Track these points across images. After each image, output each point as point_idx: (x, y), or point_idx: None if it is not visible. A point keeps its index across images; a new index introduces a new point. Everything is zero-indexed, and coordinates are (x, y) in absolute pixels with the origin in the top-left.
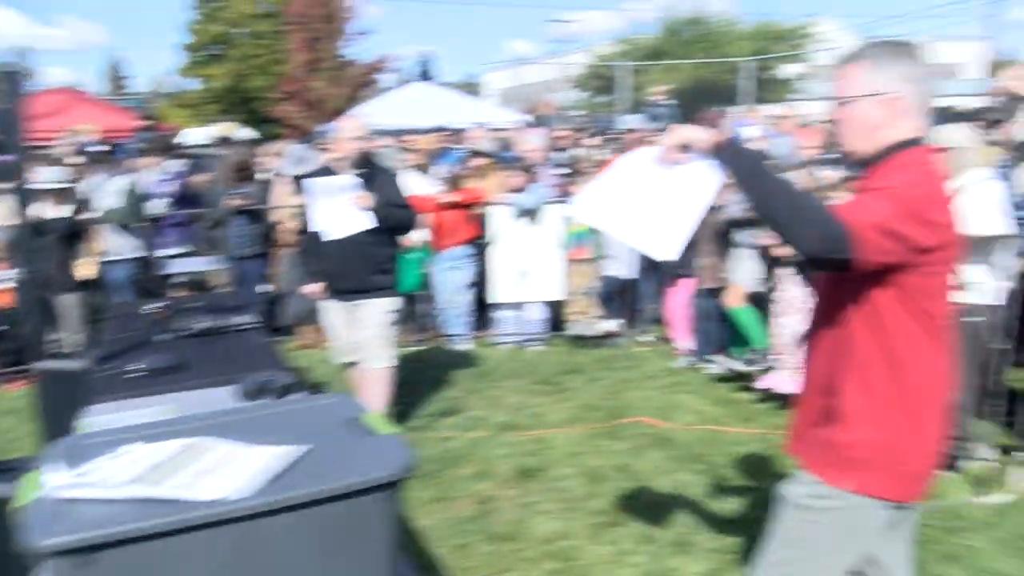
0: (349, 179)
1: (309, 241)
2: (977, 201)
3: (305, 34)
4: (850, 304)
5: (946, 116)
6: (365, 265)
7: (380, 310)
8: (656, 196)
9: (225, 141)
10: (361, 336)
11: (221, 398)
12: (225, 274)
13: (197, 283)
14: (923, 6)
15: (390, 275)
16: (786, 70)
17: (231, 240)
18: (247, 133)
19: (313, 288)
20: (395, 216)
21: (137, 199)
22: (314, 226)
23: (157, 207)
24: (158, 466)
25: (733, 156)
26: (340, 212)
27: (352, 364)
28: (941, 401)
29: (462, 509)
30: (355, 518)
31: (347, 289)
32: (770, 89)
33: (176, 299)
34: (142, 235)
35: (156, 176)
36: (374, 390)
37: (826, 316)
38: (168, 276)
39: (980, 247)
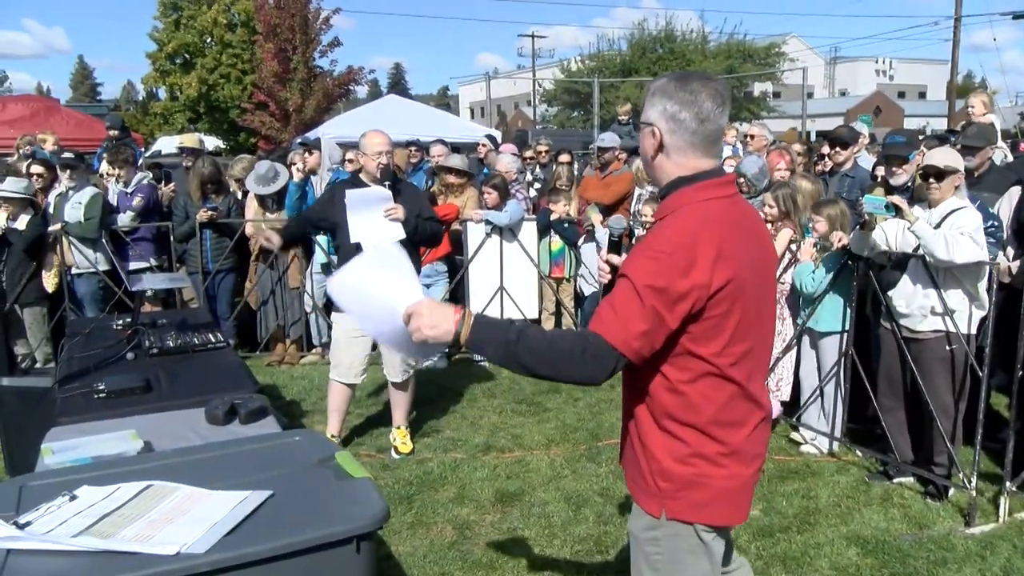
0: (383, 191)
1: (344, 251)
2: (956, 228)
3: (276, 44)
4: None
5: (934, 139)
6: None
7: None
8: (387, 310)
9: (195, 151)
10: (393, 353)
11: (188, 420)
12: (195, 289)
13: (165, 299)
14: (887, 28)
15: None
16: (756, 88)
17: (201, 254)
18: (216, 143)
19: (274, 236)
20: (425, 228)
21: (103, 210)
22: (352, 237)
23: (124, 219)
24: (112, 514)
25: (472, 345)
26: (375, 223)
27: (350, 384)
28: (740, 423)
29: (441, 535)
30: (324, 573)
31: None
32: (740, 107)
33: (144, 315)
34: (108, 248)
35: (123, 187)
36: (401, 402)
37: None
38: (135, 291)
39: (958, 274)
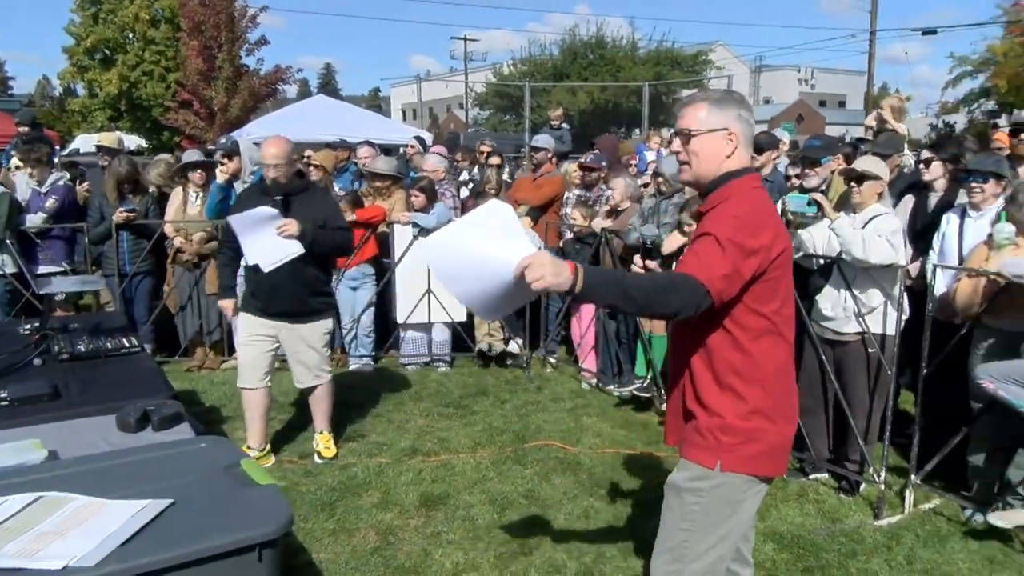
0: (267, 211)
1: (248, 269)
2: (876, 231)
3: (201, 42)
4: (686, 323)
5: (847, 146)
6: (308, 288)
7: (319, 332)
8: (490, 266)
9: (111, 151)
10: (303, 358)
11: (99, 428)
12: (111, 292)
13: (79, 302)
14: (809, 39)
15: (328, 296)
16: (683, 95)
17: (118, 256)
18: (138, 142)
19: (228, 306)
20: (326, 239)
21: (10, 211)
22: (248, 259)
23: (35, 220)
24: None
25: (587, 290)
26: (269, 242)
27: (254, 389)
28: (789, 385)
29: (364, 540)
30: None
31: (283, 312)
32: (669, 113)
33: (55, 319)
34: (15, 250)
35: (36, 186)
36: (323, 403)
37: (678, 333)
38: (47, 294)
39: (876, 276)
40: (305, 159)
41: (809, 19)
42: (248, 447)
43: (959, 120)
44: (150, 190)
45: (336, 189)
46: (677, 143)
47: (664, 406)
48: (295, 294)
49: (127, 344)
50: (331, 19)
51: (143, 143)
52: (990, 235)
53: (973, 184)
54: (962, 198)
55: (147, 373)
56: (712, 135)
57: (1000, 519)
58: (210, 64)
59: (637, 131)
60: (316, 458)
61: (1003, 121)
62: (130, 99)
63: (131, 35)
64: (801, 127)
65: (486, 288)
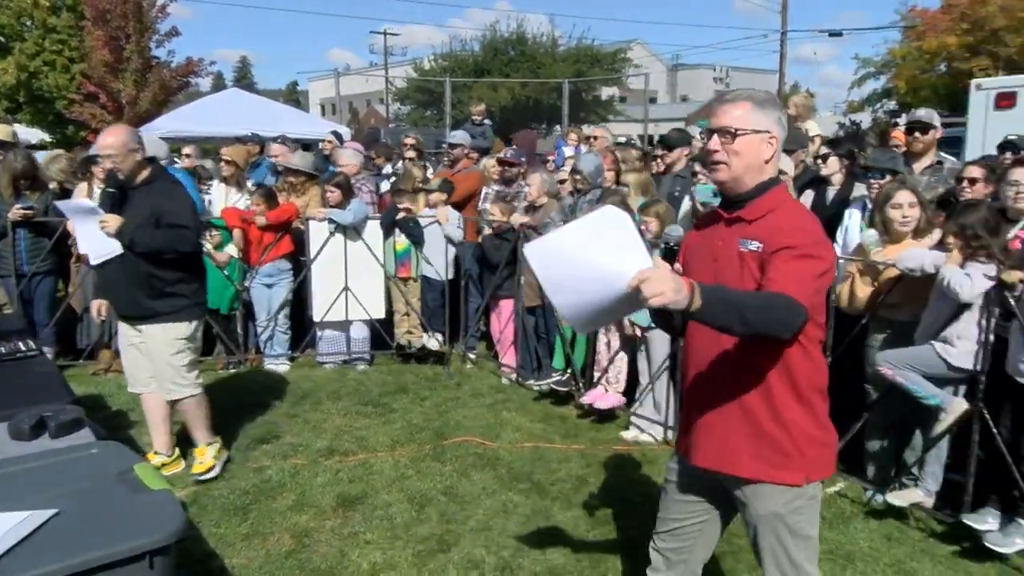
0: (85, 203)
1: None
2: None
3: (106, 31)
4: (760, 341)
5: None
6: (143, 288)
7: (168, 337)
8: (600, 276)
9: (5, 144)
10: (153, 365)
11: None
12: (7, 294)
13: None
14: (723, 39)
15: (176, 299)
16: (603, 92)
17: (15, 255)
18: (40, 135)
19: (98, 306)
20: (148, 239)
21: None
22: (80, 249)
23: None
24: None
25: (704, 308)
26: (95, 236)
27: (142, 393)
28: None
29: (278, 544)
30: None
31: (128, 314)
32: (588, 111)
33: None
34: None
35: None
36: (189, 419)
37: (730, 356)
38: None
39: None
40: (219, 155)
41: (724, 19)
42: (156, 452)
43: (864, 119)
44: (51, 186)
45: (249, 184)
46: (715, 141)
47: (583, 399)
48: (130, 294)
49: (23, 348)
50: (246, 11)
51: (46, 137)
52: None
53: (872, 180)
54: (858, 192)
55: (45, 378)
56: (756, 136)
57: (897, 498)
58: (117, 55)
59: (558, 127)
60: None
61: (903, 120)
62: (30, 90)
63: (29, 22)
64: None
65: (592, 299)
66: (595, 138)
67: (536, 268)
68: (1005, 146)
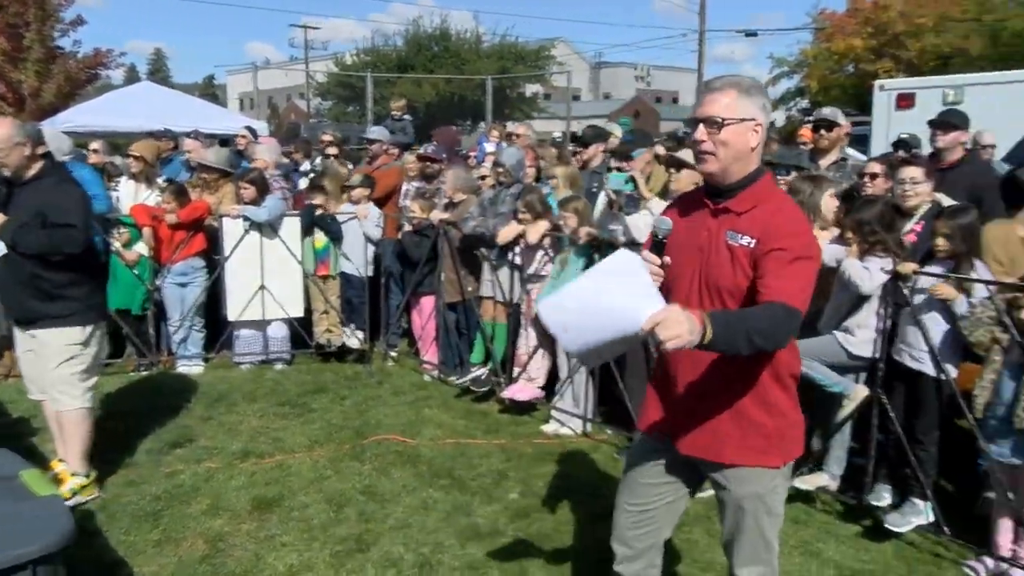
0: None
1: None
2: None
3: (4, 18)
4: None
5: (671, 140)
6: (30, 291)
7: (59, 342)
8: (614, 318)
9: None
10: (42, 372)
11: None
12: None
13: None
14: (645, 38)
15: (67, 302)
16: (527, 90)
17: None
18: None
19: None
20: (32, 239)
21: None
22: None
23: None
24: None
25: (716, 339)
26: None
27: (41, 400)
28: None
29: (191, 549)
30: None
31: (18, 317)
32: (513, 107)
33: None
34: None
35: None
36: (66, 434)
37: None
38: None
39: None
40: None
41: (644, 19)
42: (60, 460)
43: (779, 117)
44: None
45: (160, 180)
46: (701, 131)
47: (504, 393)
48: (18, 297)
49: None
50: (161, 1)
51: None
52: None
53: (778, 176)
54: None
55: None
56: (743, 125)
57: (804, 483)
58: (16, 44)
59: (483, 124)
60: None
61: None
62: None
63: None
64: (638, 122)
65: (603, 338)
66: (517, 135)
67: (548, 319)
68: (898, 144)
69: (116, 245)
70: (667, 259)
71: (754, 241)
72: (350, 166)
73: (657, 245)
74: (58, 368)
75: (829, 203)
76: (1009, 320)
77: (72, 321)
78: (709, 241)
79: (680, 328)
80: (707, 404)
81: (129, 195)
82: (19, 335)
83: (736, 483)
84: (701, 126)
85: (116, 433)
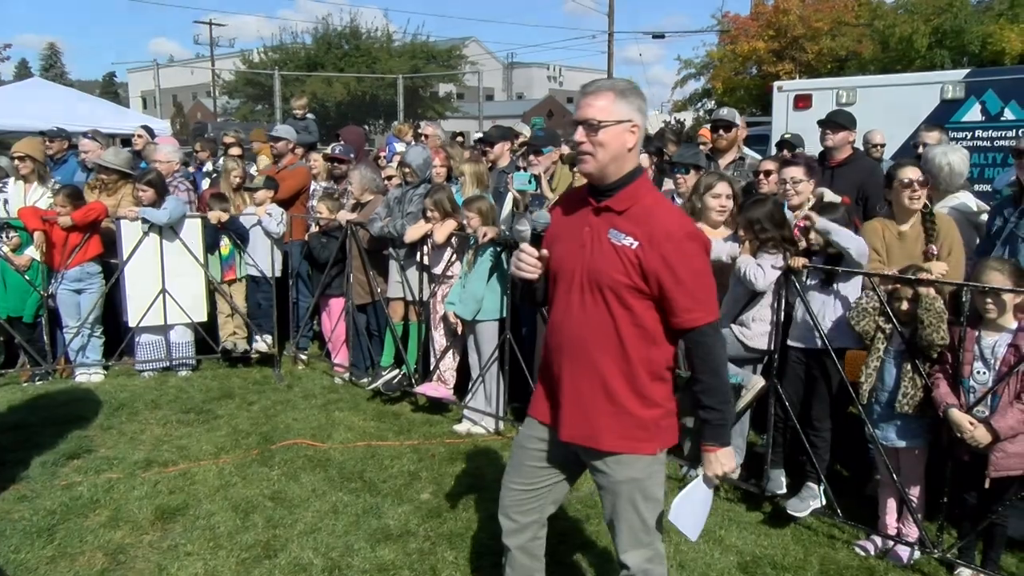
0: None
1: None
2: None
3: None
4: (630, 325)
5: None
6: None
7: None
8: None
9: None
10: None
11: None
12: None
13: None
14: (554, 39)
15: None
16: (440, 89)
17: None
18: None
19: None
20: None
21: None
22: None
23: None
24: None
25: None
26: None
27: None
28: None
29: (88, 564)
30: None
31: None
32: (426, 107)
33: None
34: None
35: None
36: None
37: (601, 335)
38: None
39: None
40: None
41: (556, 19)
42: None
43: (688, 117)
44: None
45: (53, 181)
46: (580, 133)
47: (417, 390)
48: None
49: None
50: None
51: None
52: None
53: (677, 175)
54: (667, 186)
55: None
56: (619, 127)
57: None
58: None
59: (395, 123)
60: None
61: None
62: None
63: None
64: (551, 122)
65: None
66: (426, 136)
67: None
68: (782, 144)
69: (5, 250)
70: (544, 252)
71: (637, 243)
72: (253, 166)
73: (535, 238)
74: None
75: (711, 202)
76: (890, 311)
77: None
78: (591, 238)
79: (729, 464)
80: (587, 395)
81: (18, 197)
82: None
83: (614, 469)
84: (580, 128)
85: (8, 447)
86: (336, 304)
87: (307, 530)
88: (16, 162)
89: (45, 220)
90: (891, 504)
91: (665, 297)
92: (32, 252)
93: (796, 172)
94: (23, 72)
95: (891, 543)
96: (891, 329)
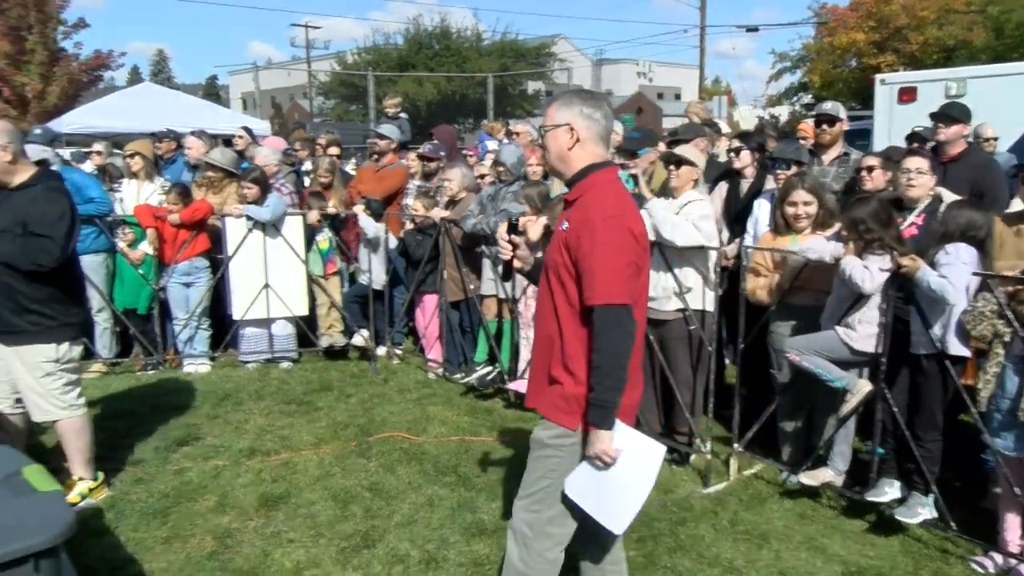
0: None
1: None
2: (686, 216)
3: (6, 20)
4: (564, 303)
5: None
6: (6, 303)
7: (29, 360)
8: (617, 477)
9: None
10: (20, 386)
11: None
12: None
13: None
14: (645, 34)
15: (41, 317)
16: (529, 87)
17: None
18: None
19: None
20: (11, 246)
21: None
22: None
23: None
24: None
25: (604, 406)
26: None
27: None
28: (634, 358)
29: (199, 546)
30: None
31: None
32: (515, 105)
33: None
34: None
35: None
36: (66, 444)
37: (548, 309)
38: None
39: (690, 256)
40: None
41: (645, 15)
42: (79, 479)
43: (783, 112)
44: None
45: (162, 180)
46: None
47: (509, 387)
48: None
49: None
50: (162, 2)
51: None
52: (775, 220)
53: (778, 171)
54: (770, 184)
55: None
56: (556, 130)
57: (809, 478)
58: (19, 47)
59: (484, 122)
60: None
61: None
62: None
63: None
64: (640, 119)
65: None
66: (517, 133)
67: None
68: (912, 138)
69: (121, 245)
70: (515, 238)
71: (569, 226)
72: (348, 164)
73: (512, 227)
74: (32, 384)
75: (788, 211)
76: (1011, 314)
77: (44, 338)
78: (557, 228)
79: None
80: (537, 366)
81: (132, 195)
82: None
83: (540, 428)
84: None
85: (123, 432)
86: (430, 300)
87: (404, 522)
88: (127, 159)
89: (157, 217)
90: (1012, 519)
91: (579, 275)
92: (145, 247)
93: (921, 163)
94: (134, 78)
95: (1013, 561)
96: (1012, 333)
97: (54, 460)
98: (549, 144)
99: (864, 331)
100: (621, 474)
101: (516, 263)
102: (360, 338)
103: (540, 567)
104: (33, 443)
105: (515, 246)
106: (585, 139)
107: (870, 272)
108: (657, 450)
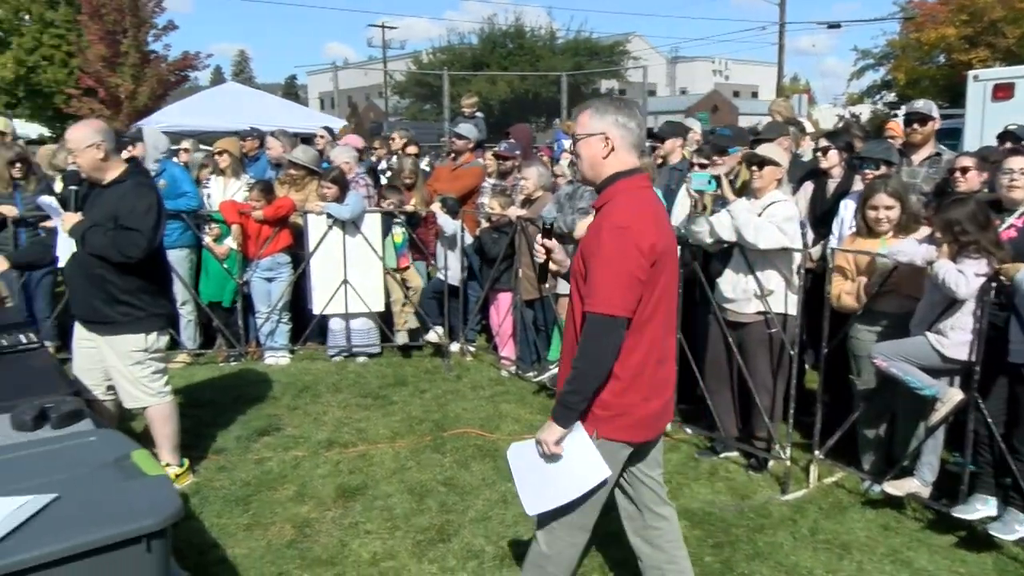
0: (46, 200)
1: None
2: (769, 217)
3: (103, 25)
4: (579, 307)
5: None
6: (97, 292)
7: (120, 349)
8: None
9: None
10: (114, 374)
11: None
12: (8, 287)
13: None
14: (722, 31)
15: (131, 308)
16: (603, 86)
17: (15, 248)
18: (39, 130)
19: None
20: (97, 240)
21: None
22: (56, 249)
23: None
24: None
25: (566, 407)
26: (64, 235)
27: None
28: (654, 367)
29: (279, 534)
30: (113, 574)
31: (81, 316)
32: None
33: None
34: None
35: None
36: (154, 431)
37: (572, 315)
38: None
39: (772, 258)
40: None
41: (722, 11)
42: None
43: (864, 111)
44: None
45: (247, 177)
46: (575, 145)
47: None
48: (85, 298)
49: (25, 341)
50: (244, 5)
51: (45, 132)
52: (856, 223)
53: (866, 171)
54: (858, 185)
55: (46, 370)
56: (592, 138)
57: (893, 488)
58: (114, 50)
59: (557, 120)
60: None
61: (902, 112)
62: (28, 85)
63: (27, 16)
64: (715, 117)
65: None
66: None
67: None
68: (1005, 136)
69: (207, 240)
70: (548, 242)
71: (587, 235)
72: (423, 161)
73: (545, 231)
74: (124, 372)
75: (870, 215)
76: None
77: (134, 328)
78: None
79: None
80: (565, 366)
81: (218, 191)
82: (79, 332)
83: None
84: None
85: (207, 421)
86: (504, 298)
87: (478, 517)
88: (216, 156)
89: (241, 213)
90: None
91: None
92: (230, 242)
93: (1023, 163)
94: (217, 78)
95: None
96: None
97: (143, 446)
98: (582, 152)
99: (956, 338)
100: (554, 470)
101: (552, 266)
102: (435, 334)
103: (562, 550)
104: (123, 429)
105: (549, 249)
106: (619, 148)
107: (965, 277)
108: (600, 471)
